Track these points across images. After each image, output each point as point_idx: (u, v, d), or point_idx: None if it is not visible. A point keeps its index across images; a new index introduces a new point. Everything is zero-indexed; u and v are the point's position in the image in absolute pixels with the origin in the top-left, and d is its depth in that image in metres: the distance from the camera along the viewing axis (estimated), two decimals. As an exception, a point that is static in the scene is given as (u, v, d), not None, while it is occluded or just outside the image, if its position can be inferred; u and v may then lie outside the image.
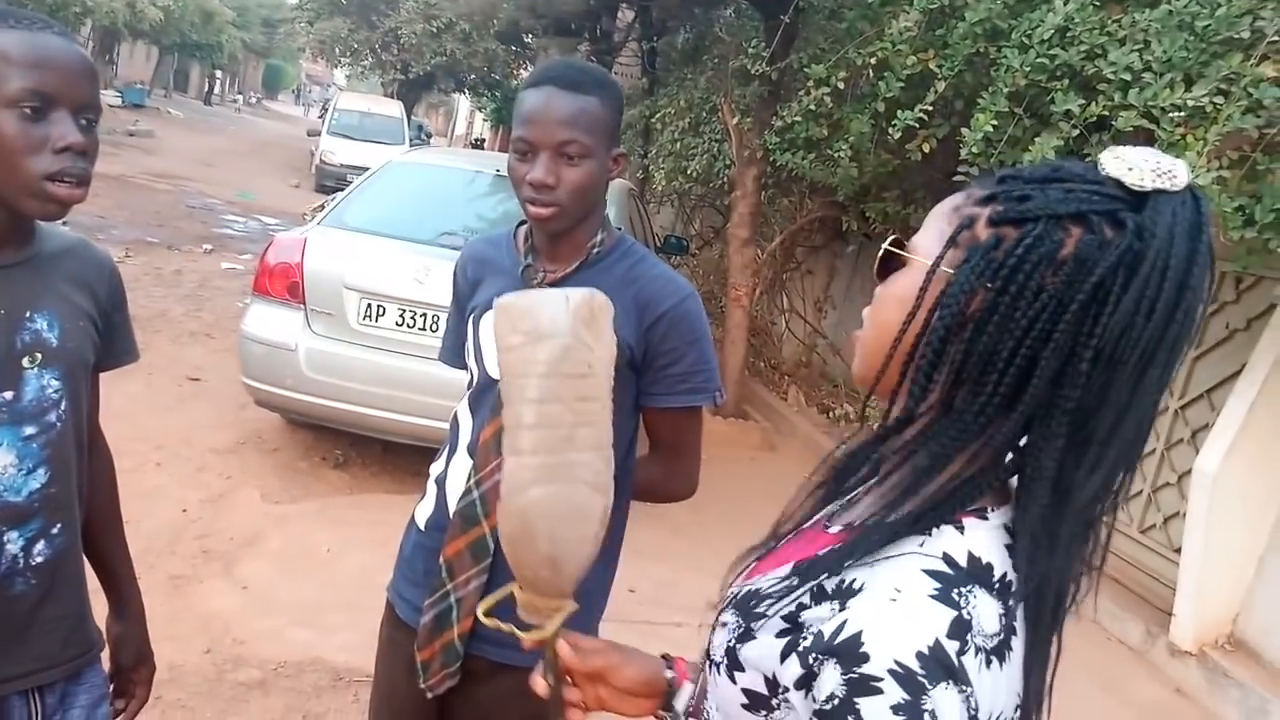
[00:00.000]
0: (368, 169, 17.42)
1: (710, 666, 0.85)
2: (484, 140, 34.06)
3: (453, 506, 1.53)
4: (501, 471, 1.33)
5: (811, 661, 0.70)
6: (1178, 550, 4.15)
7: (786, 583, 0.78)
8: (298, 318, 4.22)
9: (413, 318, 4.19)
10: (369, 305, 4.18)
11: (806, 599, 0.75)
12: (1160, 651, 4.04)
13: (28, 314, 1.25)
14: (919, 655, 0.66)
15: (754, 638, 0.78)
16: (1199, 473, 3.85)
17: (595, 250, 1.53)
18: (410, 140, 18.37)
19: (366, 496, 4.33)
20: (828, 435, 6.09)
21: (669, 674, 1.03)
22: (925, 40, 4.53)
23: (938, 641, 0.66)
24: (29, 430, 1.25)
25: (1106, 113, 3.69)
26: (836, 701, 0.67)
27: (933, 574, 0.70)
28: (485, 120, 34.06)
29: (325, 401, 4.19)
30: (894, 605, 0.69)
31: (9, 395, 1.23)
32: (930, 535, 0.74)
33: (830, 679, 0.68)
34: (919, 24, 4.40)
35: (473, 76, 24.09)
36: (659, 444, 1.64)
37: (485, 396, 1.53)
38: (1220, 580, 3.94)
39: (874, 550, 0.73)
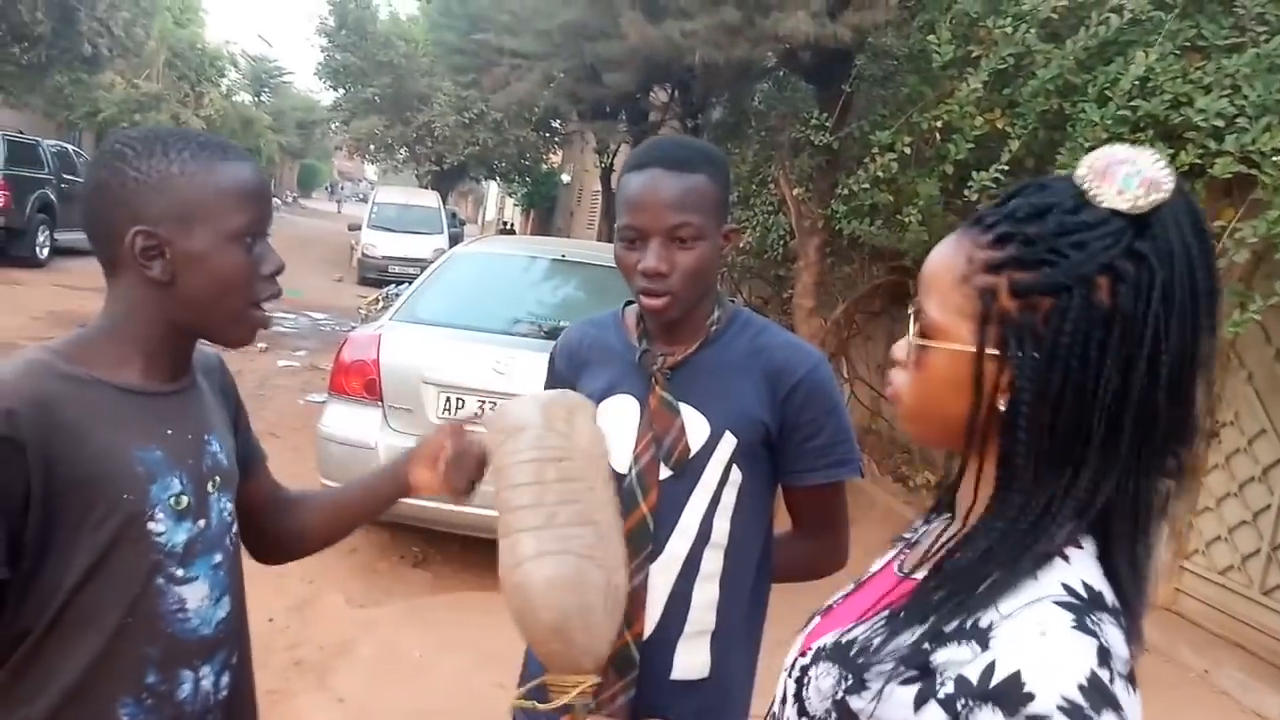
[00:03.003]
0: (408, 259, 17.74)
1: None
2: (513, 225, 34.73)
3: None
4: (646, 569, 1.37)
5: (960, 708, 0.69)
6: (1311, 613, 3.91)
7: (891, 629, 0.77)
8: (375, 415, 4.17)
9: (493, 408, 4.11)
10: (448, 399, 4.12)
11: (928, 644, 0.74)
12: (1307, 725, 3.77)
13: (206, 437, 1.20)
14: (1081, 688, 0.66)
15: (867, 688, 0.76)
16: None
17: (714, 328, 1.44)
18: (448, 228, 18.68)
19: (450, 596, 4.21)
20: (908, 505, 5.90)
21: None
22: (991, 100, 4.48)
23: (1093, 672, 0.67)
24: (217, 558, 1.19)
25: (1200, 161, 3.59)
26: None
27: (1064, 605, 0.71)
28: (516, 205, 34.79)
29: (409, 500, 4.07)
30: (1044, 640, 0.68)
31: (202, 524, 1.17)
32: (1043, 569, 0.74)
33: None
34: (986, 85, 4.35)
35: (503, 164, 24.68)
36: (805, 522, 1.54)
37: None
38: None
39: (991, 589, 0.73)
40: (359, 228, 18.51)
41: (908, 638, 0.75)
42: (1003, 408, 0.76)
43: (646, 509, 1.37)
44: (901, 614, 0.78)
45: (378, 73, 22.24)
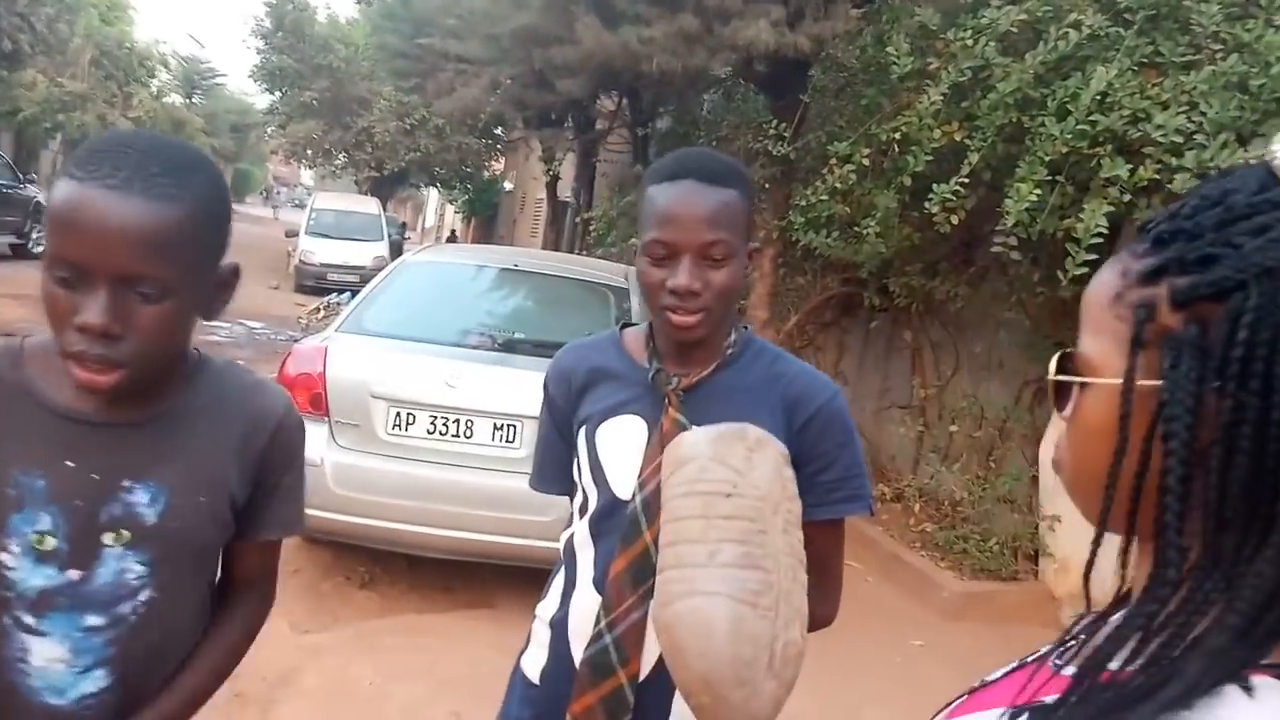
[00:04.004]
0: (348, 266, 17.37)
1: None
2: (455, 232, 34.30)
3: (578, 654, 1.31)
4: (646, 604, 1.24)
5: None
6: None
7: None
8: (321, 431, 3.98)
9: (445, 424, 3.96)
10: (398, 414, 3.95)
11: None
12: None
13: (126, 483, 1.03)
14: None
15: None
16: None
17: (730, 351, 1.35)
18: (389, 236, 18.35)
19: (400, 618, 4.03)
20: (864, 521, 5.88)
21: None
22: (950, 113, 4.47)
23: None
24: (93, 620, 1.02)
25: (1158, 176, 3.62)
26: None
27: None
28: (457, 212, 34.39)
29: (355, 519, 3.92)
30: None
31: (75, 575, 1.01)
32: (1207, 698, 0.53)
33: None
34: (945, 97, 4.34)
35: (445, 170, 24.36)
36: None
37: (611, 521, 1.32)
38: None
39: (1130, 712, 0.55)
40: (296, 234, 18.10)
41: None
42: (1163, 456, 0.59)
43: (650, 538, 1.27)
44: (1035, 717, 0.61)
45: (316, 76, 21.76)
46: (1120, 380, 0.60)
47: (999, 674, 0.74)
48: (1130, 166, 3.67)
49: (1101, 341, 0.63)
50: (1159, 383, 0.58)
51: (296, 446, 1.22)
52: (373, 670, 3.51)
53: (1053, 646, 0.71)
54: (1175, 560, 0.58)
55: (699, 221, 1.25)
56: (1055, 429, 0.69)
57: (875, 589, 4.87)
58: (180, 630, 1.12)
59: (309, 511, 4.17)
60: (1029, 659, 0.73)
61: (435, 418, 3.96)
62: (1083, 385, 0.65)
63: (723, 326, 1.34)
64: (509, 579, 4.33)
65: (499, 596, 4.31)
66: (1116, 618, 0.65)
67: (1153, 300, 0.60)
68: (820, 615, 1.46)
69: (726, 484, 1.06)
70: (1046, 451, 4.72)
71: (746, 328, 1.45)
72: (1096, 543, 0.66)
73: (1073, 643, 0.69)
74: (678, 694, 1.29)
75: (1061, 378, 0.66)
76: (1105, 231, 3.74)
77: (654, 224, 1.27)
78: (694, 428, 1.16)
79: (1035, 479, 4.89)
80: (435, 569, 4.37)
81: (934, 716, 0.75)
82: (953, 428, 5.67)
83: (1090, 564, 0.68)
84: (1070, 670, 0.65)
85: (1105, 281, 0.64)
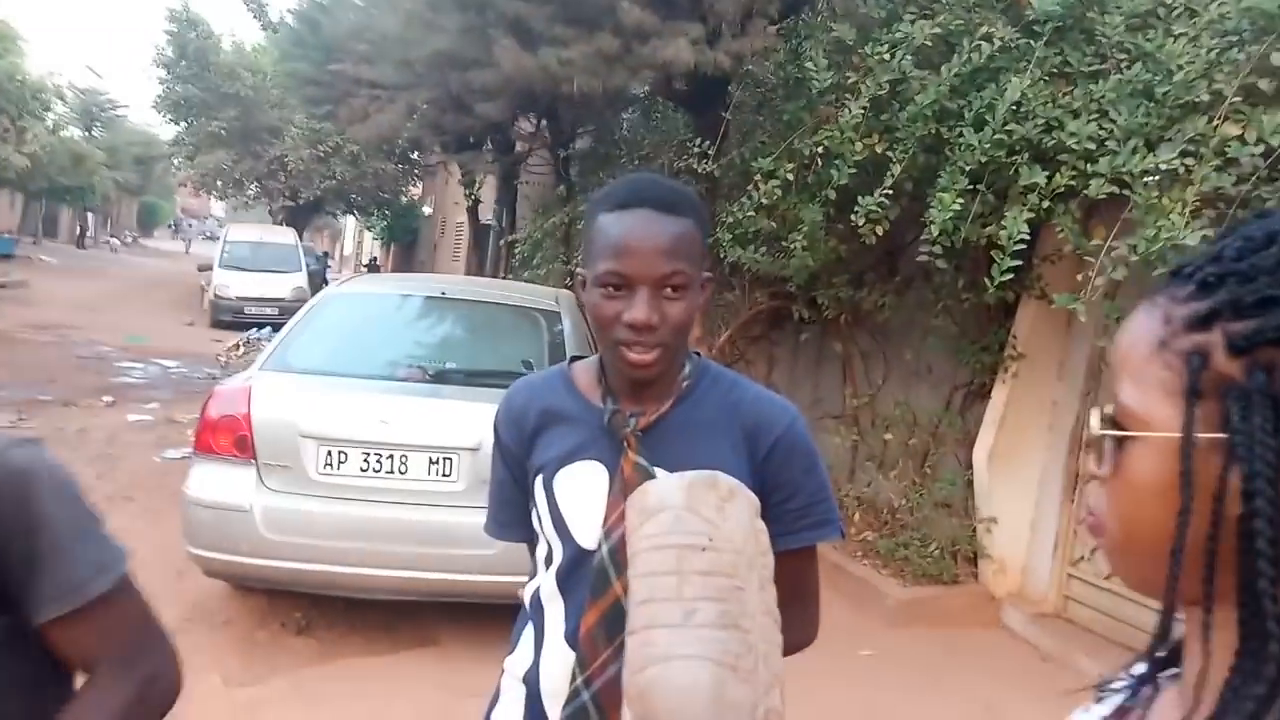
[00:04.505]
0: (266, 299, 16.94)
1: None
2: (376, 259, 33.74)
3: (555, 713, 1.25)
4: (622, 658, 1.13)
5: None
6: None
7: None
8: (249, 475, 3.82)
9: (379, 461, 3.84)
10: (329, 453, 3.82)
11: None
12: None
13: None
14: None
15: None
16: None
17: (685, 384, 1.31)
18: (308, 267, 17.94)
19: (340, 664, 3.88)
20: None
21: None
22: (871, 126, 4.55)
23: None
24: None
25: (1073, 182, 3.72)
26: None
27: None
28: (376, 239, 33.85)
29: (288, 564, 3.77)
30: None
31: None
32: None
33: None
34: (865, 111, 4.41)
35: (361, 198, 23.98)
36: (778, 592, 1.40)
37: (578, 573, 1.26)
38: None
39: None
40: (210, 268, 17.57)
41: None
42: (1237, 514, 0.54)
43: (621, 590, 1.21)
44: None
45: (223, 105, 21.26)
46: (1178, 435, 0.56)
47: None
48: (1047, 174, 3.77)
49: (1146, 392, 0.59)
50: (1221, 435, 0.55)
51: (41, 504, 1.00)
52: (314, 722, 3.37)
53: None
54: (1257, 629, 0.53)
55: (657, 253, 1.20)
56: (1089, 491, 0.64)
57: (821, 601, 4.88)
58: None
59: (240, 560, 4.00)
60: None
61: (368, 454, 3.84)
62: (1124, 440, 0.60)
63: (678, 360, 1.30)
64: (452, 614, 4.22)
65: (442, 633, 4.19)
66: (1171, 690, 0.61)
67: (1206, 347, 0.56)
68: (805, 639, 1.43)
69: (702, 536, 0.99)
70: (980, 455, 4.81)
71: (698, 354, 1.41)
72: (1168, 615, 0.60)
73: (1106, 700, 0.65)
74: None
75: (1108, 432, 0.60)
76: (1027, 238, 3.83)
77: (608, 255, 1.22)
78: (660, 474, 1.10)
79: (970, 483, 4.97)
80: (375, 609, 4.23)
81: None
82: (886, 435, 5.74)
83: (1162, 636, 0.62)
84: None
85: (1143, 328, 0.61)
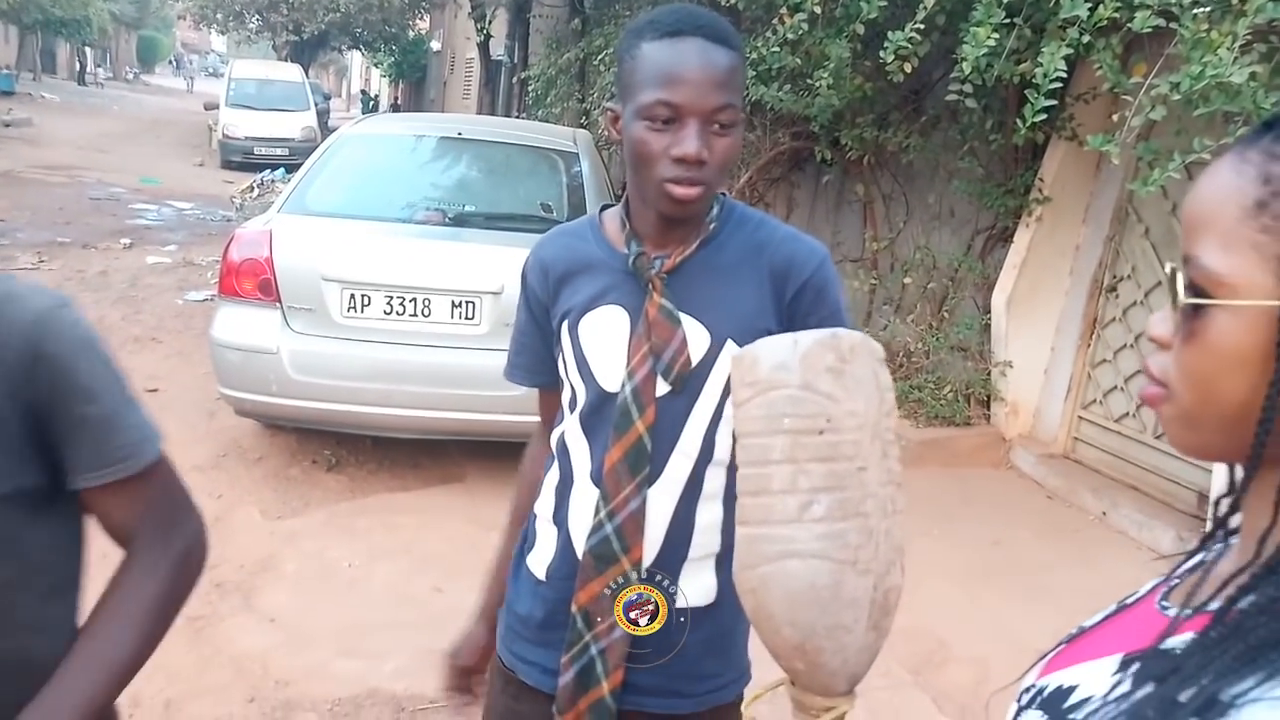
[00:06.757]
0: (275, 139, 16.68)
1: None
2: (377, 98, 32.79)
3: (581, 546, 1.30)
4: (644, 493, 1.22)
5: None
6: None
7: (1116, 683, 0.58)
8: (274, 317, 3.87)
9: (401, 304, 3.87)
10: (352, 295, 3.85)
11: (1150, 712, 0.54)
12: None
13: None
14: None
15: None
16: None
17: (711, 225, 1.29)
18: (316, 104, 17.53)
19: (372, 499, 4.05)
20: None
21: None
22: (904, -46, 4.30)
23: None
24: None
25: (1117, 15, 3.54)
26: None
27: None
28: (383, 76, 32.82)
29: (315, 404, 3.87)
30: None
31: None
32: None
33: None
34: (899, -63, 4.16)
35: (367, 32, 23.15)
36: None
37: (601, 414, 1.29)
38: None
39: (1248, 657, 0.52)
40: (216, 107, 17.19)
41: (1137, 701, 0.56)
42: None
43: (644, 428, 1.25)
44: (1142, 666, 0.58)
45: (220, -70, 20.27)
46: (1273, 301, 0.54)
47: (1097, 619, 0.71)
48: (1090, 5, 3.59)
49: (1239, 257, 0.55)
50: None
51: (74, 363, 0.97)
52: (350, 552, 3.54)
53: (1151, 588, 0.69)
54: None
55: (711, 84, 1.16)
56: (1154, 354, 0.62)
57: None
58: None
59: (269, 400, 4.10)
60: (1128, 601, 0.69)
61: (391, 298, 3.87)
62: (1203, 306, 0.57)
63: (711, 199, 1.28)
64: (477, 452, 4.36)
65: (469, 469, 4.34)
66: (1228, 560, 0.62)
67: None
68: None
69: (820, 417, 0.90)
70: (999, 299, 4.80)
71: (724, 194, 1.39)
72: (1249, 478, 0.58)
73: (1176, 582, 0.66)
74: (682, 574, 1.30)
75: (1202, 300, 0.57)
76: (1065, 75, 3.68)
77: (657, 84, 1.17)
78: (770, 337, 0.98)
79: (987, 327, 4.98)
80: (402, 447, 4.37)
81: (1033, 667, 0.71)
82: (905, 279, 5.72)
83: (1236, 502, 0.61)
84: (1174, 612, 0.62)
85: (1233, 187, 0.57)
